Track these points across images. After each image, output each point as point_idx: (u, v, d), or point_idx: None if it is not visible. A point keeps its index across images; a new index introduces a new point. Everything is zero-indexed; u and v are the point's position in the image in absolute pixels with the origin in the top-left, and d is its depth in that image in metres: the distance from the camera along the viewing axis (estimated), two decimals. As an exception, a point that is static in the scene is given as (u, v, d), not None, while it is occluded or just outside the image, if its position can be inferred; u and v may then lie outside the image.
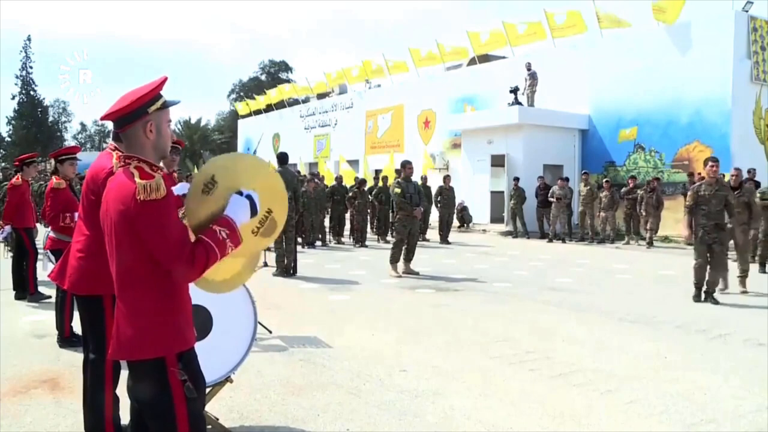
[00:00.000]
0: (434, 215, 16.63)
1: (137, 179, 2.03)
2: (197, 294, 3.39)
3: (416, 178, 15.09)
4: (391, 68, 26.23)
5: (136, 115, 2.12)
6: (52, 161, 5.88)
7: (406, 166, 10.02)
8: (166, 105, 2.20)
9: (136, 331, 2.09)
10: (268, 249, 11.10)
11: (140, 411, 2.24)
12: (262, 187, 2.30)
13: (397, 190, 9.79)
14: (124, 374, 2.37)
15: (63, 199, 5.34)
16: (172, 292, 2.11)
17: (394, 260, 9.65)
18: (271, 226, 2.35)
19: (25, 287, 7.43)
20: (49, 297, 7.31)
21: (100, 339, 3.13)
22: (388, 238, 14.81)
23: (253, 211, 2.22)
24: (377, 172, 21.42)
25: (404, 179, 9.88)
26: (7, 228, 7.69)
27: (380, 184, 16.02)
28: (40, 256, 7.23)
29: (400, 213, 9.77)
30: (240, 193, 2.21)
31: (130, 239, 2.04)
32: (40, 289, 7.45)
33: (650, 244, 14.54)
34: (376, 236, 15.76)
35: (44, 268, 6.35)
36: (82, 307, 3.28)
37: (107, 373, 3.16)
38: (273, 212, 2.35)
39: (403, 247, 9.70)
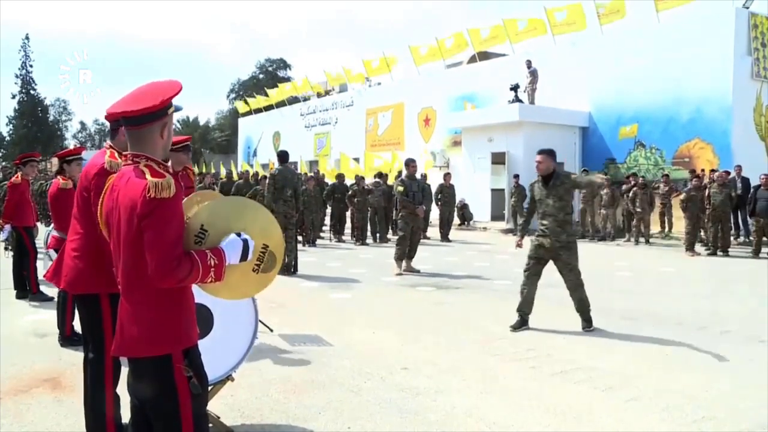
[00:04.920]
0: (435, 213, 16.63)
1: (148, 177, 2.04)
2: (198, 292, 3.40)
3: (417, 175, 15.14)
4: (390, 63, 26.13)
5: (160, 114, 2.14)
6: (54, 161, 5.89)
7: (410, 164, 10.03)
8: (175, 109, 2.24)
9: (143, 328, 2.10)
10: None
11: (141, 408, 2.23)
12: (253, 225, 2.30)
13: (400, 188, 9.80)
14: (125, 372, 2.37)
15: (71, 198, 5.32)
16: (178, 289, 2.12)
17: (399, 258, 9.66)
18: (271, 260, 2.35)
19: (25, 286, 7.42)
20: (52, 299, 7.31)
21: (99, 338, 3.13)
22: (389, 236, 14.82)
23: (244, 256, 2.20)
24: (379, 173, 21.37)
25: (408, 177, 9.88)
26: (8, 227, 7.68)
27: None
28: (40, 255, 7.23)
29: (403, 211, 9.78)
30: (238, 235, 2.22)
31: (137, 237, 2.04)
32: (42, 288, 7.45)
33: (647, 241, 14.57)
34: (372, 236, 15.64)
35: (45, 267, 6.35)
36: (80, 306, 3.28)
37: (107, 372, 3.16)
38: (269, 246, 2.34)
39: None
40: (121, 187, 2.14)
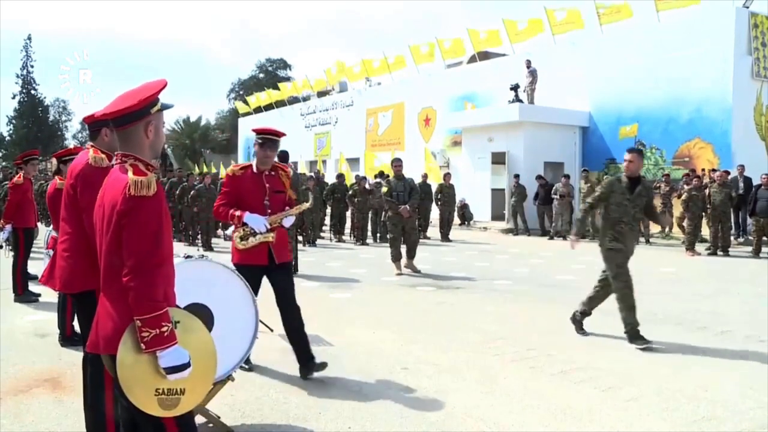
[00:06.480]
0: (435, 213, 16.63)
1: (130, 174, 2.09)
2: (199, 292, 3.40)
3: (417, 176, 15.12)
4: (391, 65, 26.19)
5: (141, 114, 2.17)
6: (54, 161, 5.87)
7: (395, 164, 10.06)
8: (163, 107, 2.26)
9: (117, 326, 2.11)
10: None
11: (129, 408, 2.24)
12: (199, 366, 2.18)
13: (384, 189, 9.84)
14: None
15: None
16: (156, 288, 2.12)
17: (395, 258, 9.66)
18: (172, 404, 2.12)
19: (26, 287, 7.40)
20: (38, 298, 7.30)
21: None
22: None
23: (171, 370, 2.07)
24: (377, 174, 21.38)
25: (394, 177, 9.90)
26: (8, 227, 7.65)
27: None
28: (41, 255, 7.22)
29: (389, 212, 9.82)
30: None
31: (117, 233, 2.08)
32: (41, 289, 7.43)
33: (647, 241, 14.57)
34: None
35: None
36: (77, 304, 3.29)
37: (107, 372, 3.15)
38: (185, 394, 2.13)
39: (402, 245, 9.70)
40: (108, 186, 2.20)
